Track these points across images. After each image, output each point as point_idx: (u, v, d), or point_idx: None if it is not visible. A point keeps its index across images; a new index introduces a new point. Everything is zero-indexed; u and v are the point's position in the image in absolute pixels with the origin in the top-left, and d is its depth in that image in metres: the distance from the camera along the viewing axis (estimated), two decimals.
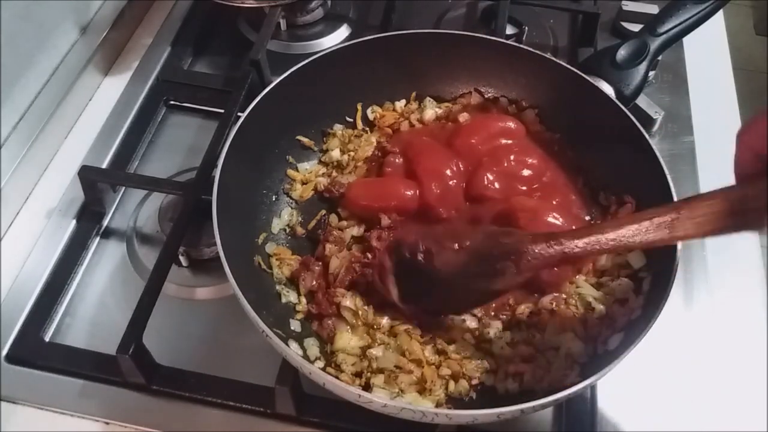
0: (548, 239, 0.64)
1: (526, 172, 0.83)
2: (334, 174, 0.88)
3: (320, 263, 0.79)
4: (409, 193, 0.82)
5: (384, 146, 0.89)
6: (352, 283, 0.77)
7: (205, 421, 0.74)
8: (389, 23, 1.11)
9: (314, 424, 0.74)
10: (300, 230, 0.84)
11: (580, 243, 0.63)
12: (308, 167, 0.89)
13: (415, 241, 0.71)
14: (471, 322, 0.75)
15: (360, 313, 0.75)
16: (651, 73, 1.01)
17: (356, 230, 0.83)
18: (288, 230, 0.84)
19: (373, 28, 1.13)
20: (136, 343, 0.71)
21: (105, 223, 0.91)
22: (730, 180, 0.96)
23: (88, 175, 0.88)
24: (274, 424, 0.74)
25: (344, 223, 0.84)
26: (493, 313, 0.76)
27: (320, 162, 0.90)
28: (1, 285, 0.84)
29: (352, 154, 0.89)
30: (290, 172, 0.87)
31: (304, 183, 0.87)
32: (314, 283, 0.78)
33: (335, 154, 0.89)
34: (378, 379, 0.71)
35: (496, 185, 0.82)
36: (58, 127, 0.99)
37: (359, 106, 0.92)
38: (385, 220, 0.81)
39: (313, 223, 0.85)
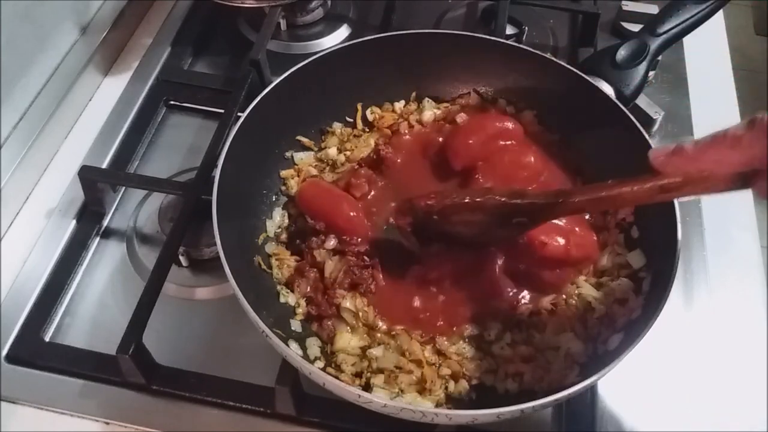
0: (556, 196, 0.69)
1: (522, 174, 0.83)
2: (326, 171, 0.88)
3: (315, 269, 0.78)
4: (353, 215, 0.80)
5: (379, 149, 0.88)
6: (352, 285, 0.76)
7: (205, 421, 0.74)
8: (389, 23, 1.11)
9: (314, 424, 0.74)
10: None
11: (583, 197, 0.68)
12: (303, 157, 0.88)
13: (428, 206, 0.73)
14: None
15: (360, 314, 0.75)
16: (651, 73, 1.01)
17: (332, 243, 0.79)
18: (286, 230, 0.83)
19: (373, 28, 1.13)
20: (136, 343, 0.71)
21: (105, 223, 0.91)
22: None
23: (88, 175, 0.88)
24: (274, 424, 0.74)
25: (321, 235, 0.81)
26: (493, 314, 0.76)
27: (316, 159, 0.90)
28: (1, 285, 0.84)
29: (348, 153, 0.89)
30: (283, 172, 0.86)
31: (294, 177, 0.87)
32: (309, 288, 0.77)
33: (332, 152, 0.89)
34: (378, 379, 0.71)
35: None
36: (58, 127, 0.99)
37: (359, 106, 0.92)
38: (330, 242, 0.79)
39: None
